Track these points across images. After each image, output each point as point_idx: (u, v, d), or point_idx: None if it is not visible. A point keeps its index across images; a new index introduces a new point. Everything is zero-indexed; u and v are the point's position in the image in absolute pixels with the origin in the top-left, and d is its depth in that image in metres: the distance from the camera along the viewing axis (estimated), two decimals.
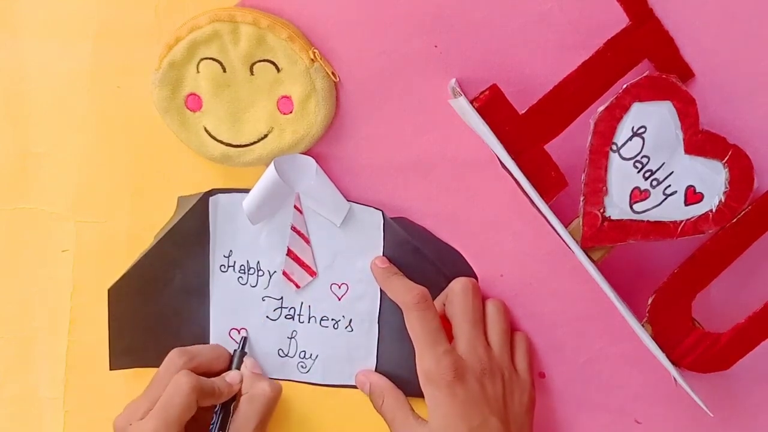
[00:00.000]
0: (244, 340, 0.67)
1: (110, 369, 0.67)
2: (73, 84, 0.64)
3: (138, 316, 0.66)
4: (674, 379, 0.61)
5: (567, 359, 0.66)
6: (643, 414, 0.66)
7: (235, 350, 0.67)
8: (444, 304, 0.64)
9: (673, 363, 0.61)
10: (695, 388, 0.61)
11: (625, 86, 0.57)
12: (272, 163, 0.62)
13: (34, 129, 0.65)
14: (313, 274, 0.66)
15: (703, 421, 0.62)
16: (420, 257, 0.64)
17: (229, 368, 0.66)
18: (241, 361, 0.66)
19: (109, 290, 0.66)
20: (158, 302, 0.66)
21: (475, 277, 0.65)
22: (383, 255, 0.65)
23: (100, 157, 0.65)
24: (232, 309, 0.67)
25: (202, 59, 0.61)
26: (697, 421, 0.64)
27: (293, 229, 0.65)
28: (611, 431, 0.67)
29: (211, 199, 0.65)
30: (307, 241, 0.65)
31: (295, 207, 0.65)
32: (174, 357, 0.63)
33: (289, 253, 0.65)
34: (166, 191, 0.65)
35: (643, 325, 0.61)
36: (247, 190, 0.64)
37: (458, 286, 0.63)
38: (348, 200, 0.64)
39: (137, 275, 0.66)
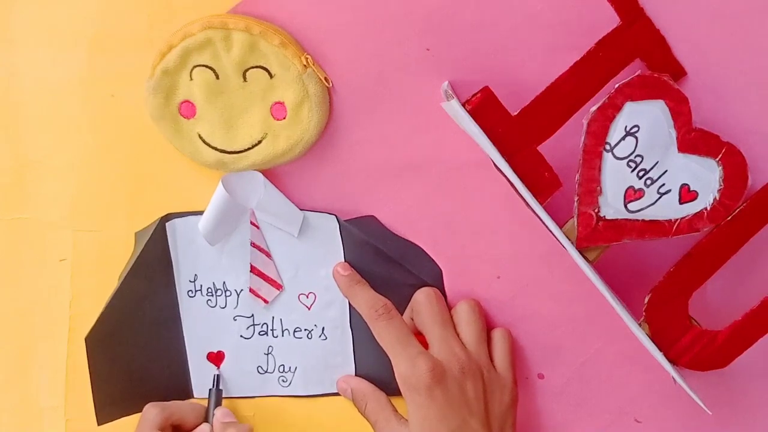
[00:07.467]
0: (217, 378, 0.66)
1: (98, 424, 0.67)
2: (68, 92, 0.64)
3: (117, 361, 0.66)
4: (672, 377, 0.61)
5: (565, 360, 0.66)
6: (643, 413, 0.66)
7: (210, 389, 0.66)
8: (412, 319, 0.64)
9: (671, 361, 0.61)
10: (693, 386, 0.61)
11: (617, 86, 0.57)
12: (220, 182, 0.63)
13: (29, 138, 0.65)
14: (279, 287, 0.66)
15: (702, 419, 0.62)
16: (382, 256, 0.64)
17: (207, 411, 0.66)
18: (218, 399, 0.66)
19: (86, 339, 0.66)
20: (134, 341, 0.66)
21: (440, 271, 0.65)
22: (345, 259, 0.65)
23: (96, 166, 0.65)
24: (205, 333, 0.67)
25: (195, 66, 0.61)
26: (696, 419, 0.64)
27: (253, 245, 0.65)
28: (611, 431, 0.67)
29: (167, 224, 0.65)
30: (269, 255, 0.65)
31: (251, 223, 0.64)
32: (148, 410, 0.64)
33: (253, 269, 0.65)
34: (161, 198, 0.65)
35: (640, 325, 0.61)
36: (201, 212, 0.64)
37: (421, 295, 0.63)
38: (301, 209, 0.64)
39: (109, 318, 0.65)
